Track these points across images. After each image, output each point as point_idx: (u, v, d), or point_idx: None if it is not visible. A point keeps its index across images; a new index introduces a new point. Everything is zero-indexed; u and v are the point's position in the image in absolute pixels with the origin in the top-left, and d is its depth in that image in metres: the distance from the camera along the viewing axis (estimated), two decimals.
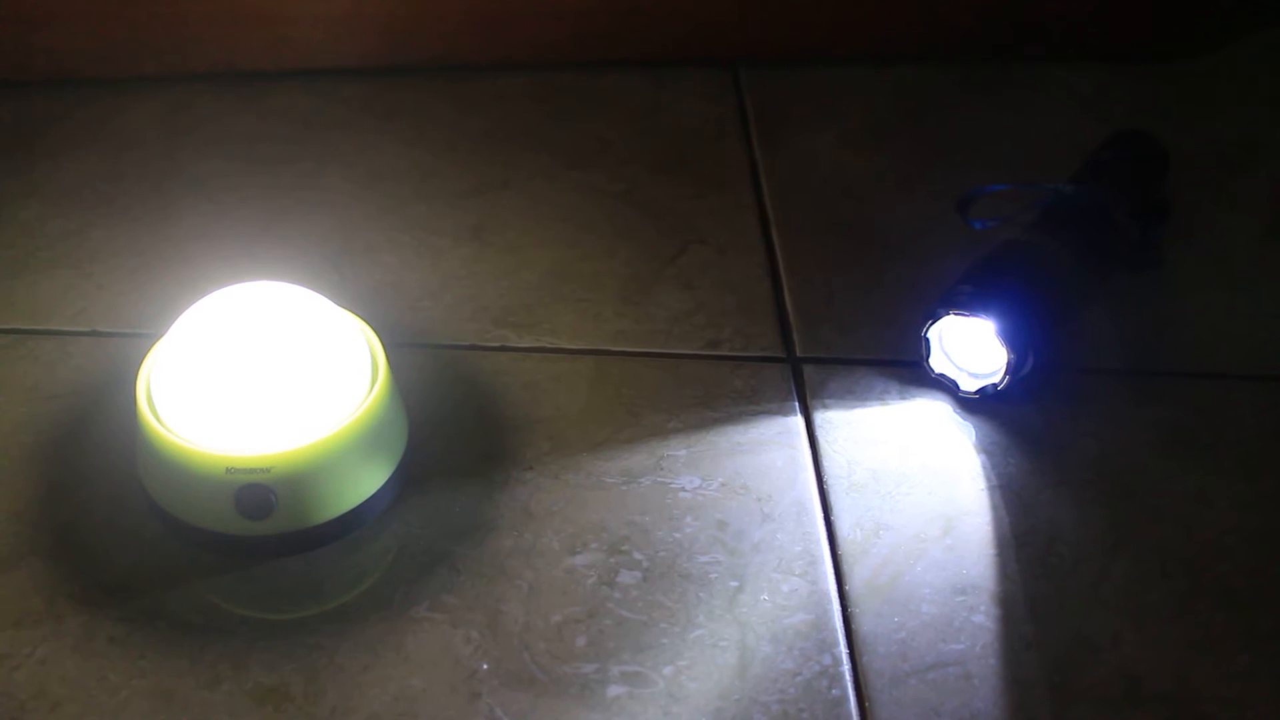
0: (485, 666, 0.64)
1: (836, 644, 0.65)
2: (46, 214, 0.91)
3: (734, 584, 0.68)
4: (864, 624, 0.66)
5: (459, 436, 0.75)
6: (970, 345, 0.77)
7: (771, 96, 1.03)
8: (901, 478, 0.73)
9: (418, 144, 0.98)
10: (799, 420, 0.77)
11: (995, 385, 0.76)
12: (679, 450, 0.74)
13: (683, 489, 0.72)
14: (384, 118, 1.01)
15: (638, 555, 0.69)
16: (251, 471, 0.65)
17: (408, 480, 0.71)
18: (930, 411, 0.77)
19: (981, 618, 0.66)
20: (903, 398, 0.78)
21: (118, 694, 0.62)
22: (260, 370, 0.67)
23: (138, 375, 0.69)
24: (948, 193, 0.87)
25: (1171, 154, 0.89)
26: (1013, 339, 0.74)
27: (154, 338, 0.71)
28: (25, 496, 0.71)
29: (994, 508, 0.72)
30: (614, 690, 0.63)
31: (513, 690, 0.63)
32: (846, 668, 0.64)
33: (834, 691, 0.63)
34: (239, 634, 0.65)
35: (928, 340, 0.77)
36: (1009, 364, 0.75)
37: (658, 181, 0.95)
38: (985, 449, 0.75)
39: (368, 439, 0.68)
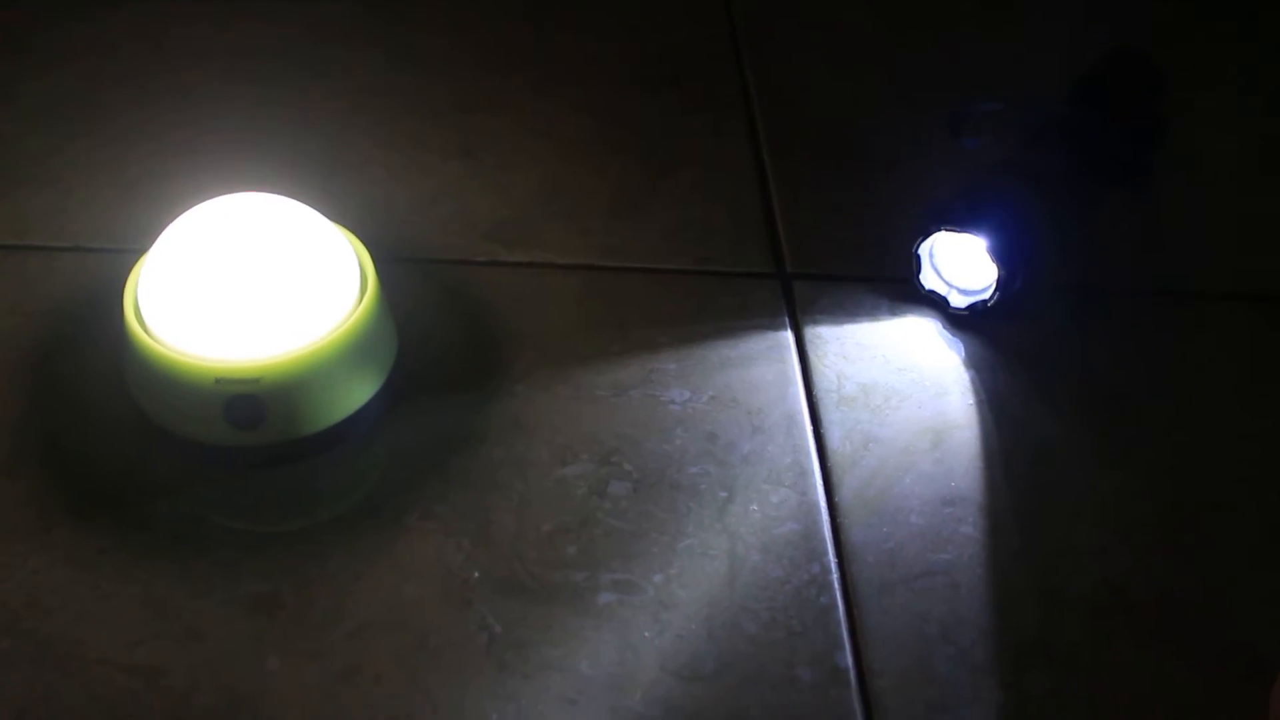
0: (477, 575, 0.64)
1: (825, 553, 0.66)
2: (28, 129, 0.90)
3: (723, 495, 0.68)
4: (853, 534, 0.66)
5: (449, 349, 0.75)
6: (961, 262, 0.77)
7: (763, 14, 1.02)
8: (891, 392, 0.74)
9: (407, 60, 0.97)
10: (789, 335, 0.77)
11: (985, 302, 0.76)
12: (669, 364, 0.74)
13: (673, 401, 0.72)
14: (373, 34, 1.00)
15: (628, 466, 0.69)
16: (241, 382, 0.65)
17: (398, 392, 0.71)
18: (920, 327, 0.77)
19: (969, 529, 0.67)
20: (893, 314, 0.78)
21: (110, 601, 0.62)
22: (249, 281, 0.66)
23: (125, 287, 0.69)
24: (940, 110, 0.87)
25: (1168, 74, 0.88)
26: (1003, 255, 0.74)
27: (139, 253, 0.70)
28: (14, 410, 0.71)
29: (982, 422, 0.72)
30: (604, 598, 0.63)
31: (504, 598, 0.63)
32: (835, 576, 0.65)
33: (823, 599, 0.64)
34: (230, 544, 0.66)
35: (919, 256, 0.77)
36: (999, 280, 0.75)
37: (649, 99, 0.94)
38: (974, 365, 0.75)
39: (357, 349, 0.67)
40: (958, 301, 0.77)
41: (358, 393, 0.68)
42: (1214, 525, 0.68)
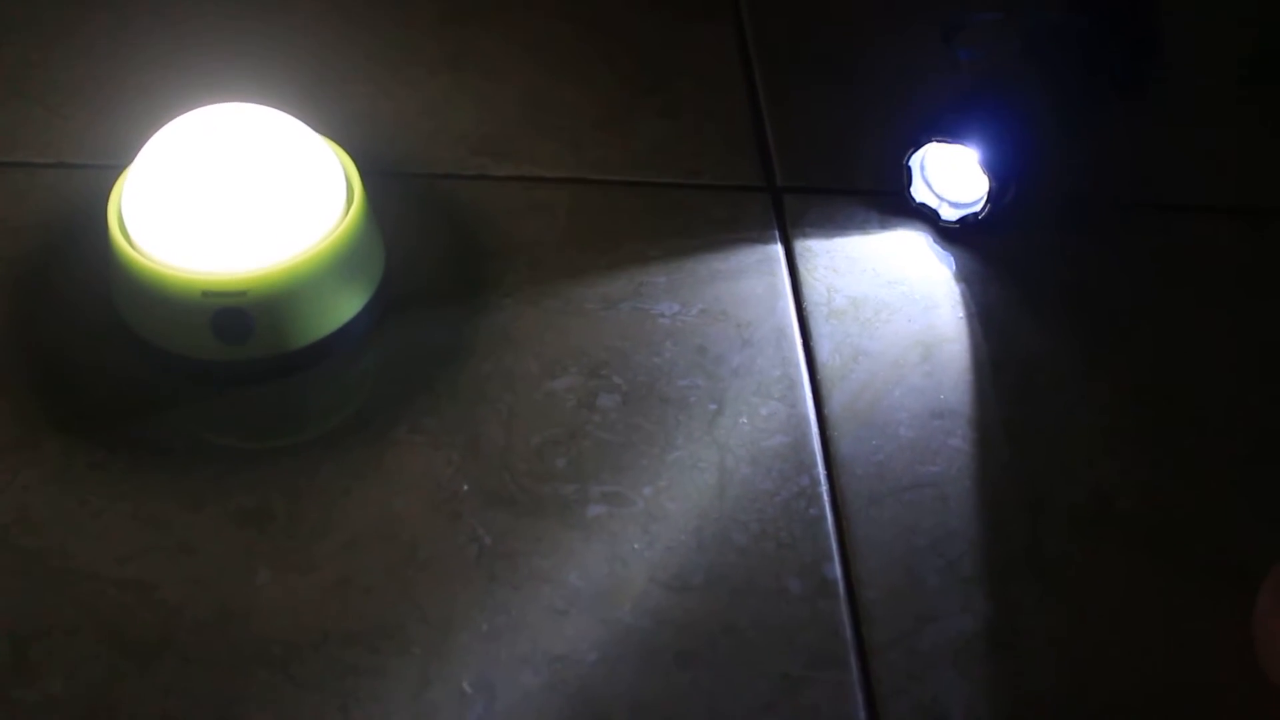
0: (466, 487, 0.64)
1: (814, 465, 0.66)
2: (4, 46, 0.88)
3: (713, 407, 0.68)
4: (842, 446, 0.67)
5: (437, 263, 0.75)
6: (952, 174, 0.76)
7: None
8: (881, 305, 0.73)
9: None
10: (779, 248, 0.76)
11: (976, 214, 0.76)
12: (658, 277, 0.74)
13: (662, 315, 0.72)
14: None
15: (617, 379, 0.69)
16: (228, 295, 0.64)
17: (386, 306, 0.71)
18: (911, 240, 0.77)
19: (958, 441, 0.67)
20: (883, 227, 0.78)
21: (100, 517, 0.63)
22: (234, 193, 0.65)
23: (109, 201, 0.68)
24: (932, 22, 0.85)
25: None
26: (995, 167, 0.74)
27: (123, 168, 0.70)
28: (0, 326, 0.71)
29: (972, 335, 0.72)
30: (594, 510, 0.63)
31: (493, 510, 0.63)
32: (824, 488, 0.65)
33: (812, 511, 0.64)
34: (220, 459, 0.66)
35: (909, 168, 0.76)
36: (991, 192, 0.74)
37: (637, 12, 0.93)
38: (965, 278, 0.75)
39: (344, 261, 0.67)
40: (948, 214, 0.77)
41: (345, 306, 0.68)
42: (1201, 437, 0.68)
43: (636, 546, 0.62)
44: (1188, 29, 0.90)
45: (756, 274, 0.75)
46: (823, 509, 0.64)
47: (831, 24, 0.92)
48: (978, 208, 0.75)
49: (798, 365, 0.70)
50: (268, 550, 0.62)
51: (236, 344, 0.65)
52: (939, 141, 0.74)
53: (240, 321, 0.65)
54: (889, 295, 0.74)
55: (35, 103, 0.84)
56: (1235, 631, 0.59)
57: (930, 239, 0.77)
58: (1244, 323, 0.74)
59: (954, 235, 0.77)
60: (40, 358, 0.69)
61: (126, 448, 0.66)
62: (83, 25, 0.90)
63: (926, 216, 0.78)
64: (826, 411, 0.68)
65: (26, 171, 0.79)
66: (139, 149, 0.68)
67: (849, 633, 0.60)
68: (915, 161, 0.76)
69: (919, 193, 0.77)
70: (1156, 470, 0.66)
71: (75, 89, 0.85)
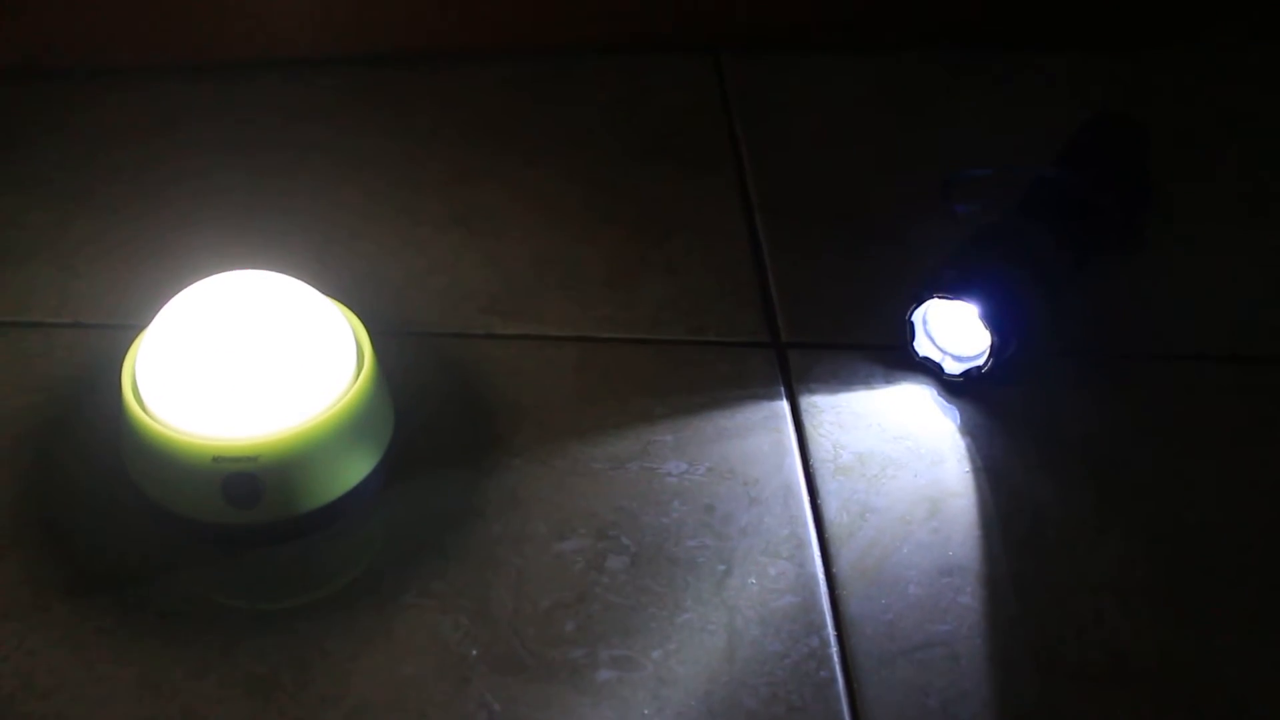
0: (475, 652, 0.64)
1: (824, 626, 0.65)
2: (25, 205, 0.90)
3: (722, 568, 0.68)
4: (851, 606, 0.66)
5: (445, 424, 0.75)
6: (954, 328, 0.77)
7: (753, 83, 1.04)
8: (887, 460, 0.74)
9: (398, 133, 0.98)
10: (785, 405, 0.77)
11: (979, 368, 0.76)
12: (665, 435, 0.75)
13: (669, 474, 0.73)
14: (363, 107, 1.01)
15: (625, 540, 0.69)
16: (238, 460, 0.65)
17: (395, 468, 0.71)
18: (915, 395, 0.78)
19: (968, 598, 0.67)
20: (888, 381, 0.79)
21: (105, 683, 0.62)
22: (246, 359, 0.66)
23: (123, 365, 0.69)
24: (930, 178, 0.87)
25: (1151, 136, 0.89)
26: (996, 322, 0.75)
27: (137, 329, 0.71)
28: (10, 489, 0.71)
29: (979, 489, 0.72)
30: (604, 674, 0.63)
31: (503, 675, 0.63)
32: (834, 649, 0.64)
33: (822, 673, 0.63)
34: (227, 623, 0.65)
35: (912, 324, 0.77)
36: (992, 346, 0.75)
37: (640, 168, 0.95)
38: (970, 431, 0.76)
39: (354, 426, 0.68)
40: (952, 368, 0.78)
41: (355, 469, 0.68)
42: (1212, 590, 0.68)
43: (646, 712, 0.61)
44: (1177, 175, 0.92)
45: (763, 430, 0.75)
46: (833, 671, 0.64)
47: (832, 180, 0.94)
48: (980, 361, 0.76)
49: (805, 523, 0.70)
50: (275, 718, 0.61)
51: (246, 508, 0.66)
52: (940, 297, 0.76)
53: (250, 486, 0.65)
54: (895, 450, 0.74)
55: (54, 263, 0.85)
56: None
57: (935, 393, 0.78)
58: (1253, 473, 0.74)
59: (958, 389, 0.78)
60: (50, 521, 0.70)
61: (134, 611, 0.65)
62: (103, 189, 0.92)
63: (930, 370, 0.78)
64: (835, 570, 0.68)
65: (42, 332, 0.81)
66: (153, 310, 0.69)
67: None
68: (918, 317, 0.77)
69: (922, 347, 0.78)
70: (1168, 625, 0.66)
71: (93, 249, 0.86)
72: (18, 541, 0.68)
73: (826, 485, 0.72)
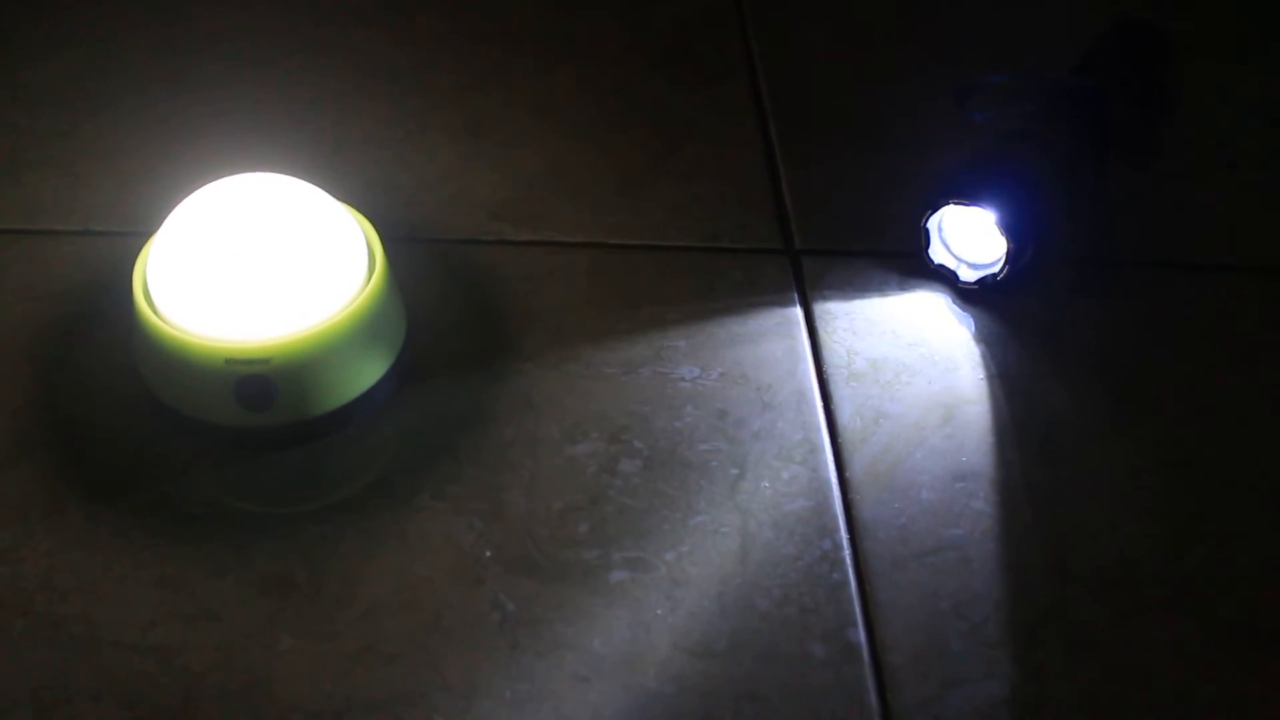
0: (489, 554, 0.64)
1: (837, 529, 0.66)
2: (33, 114, 0.89)
3: (734, 471, 0.68)
4: (864, 510, 0.66)
5: (458, 329, 0.75)
6: (970, 235, 0.77)
7: None
8: (901, 367, 0.73)
9: (410, 39, 0.97)
10: (798, 311, 0.77)
11: (995, 275, 0.76)
12: (678, 341, 0.74)
13: (682, 379, 0.72)
14: (375, 13, 0.99)
15: (638, 444, 0.69)
16: (251, 362, 0.65)
17: (407, 372, 0.71)
18: (930, 302, 0.77)
19: (980, 503, 0.67)
20: (902, 289, 0.78)
21: (124, 583, 0.63)
22: (258, 261, 0.66)
23: (134, 269, 0.69)
24: (947, 85, 0.86)
25: (1174, 44, 0.87)
26: (1012, 228, 0.74)
27: (147, 235, 0.70)
28: (25, 394, 0.71)
29: (993, 396, 0.72)
30: (616, 575, 0.63)
31: (516, 576, 0.63)
32: (847, 552, 0.65)
33: (835, 575, 0.64)
34: (242, 525, 0.66)
35: (927, 230, 0.77)
36: (1008, 253, 0.75)
37: (653, 75, 0.94)
38: (984, 339, 0.75)
39: (366, 328, 0.67)
40: (967, 275, 0.77)
41: (367, 372, 0.68)
42: (1225, 496, 0.68)
43: (659, 612, 0.62)
44: (1199, 83, 0.90)
45: (776, 337, 0.75)
46: (845, 573, 0.64)
47: (847, 86, 0.93)
48: (996, 269, 0.76)
49: (819, 429, 0.70)
50: (291, 617, 0.62)
51: (259, 411, 0.66)
52: (956, 204, 0.75)
53: (263, 389, 0.65)
54: (909, 357, 0.74)
55: (62, 171, 0.85)
56: (1265, 694, 0.59)
57: (949, 300, 0.77)
58: (1266, 380, 0.74)
59: (973, 296, 0.77)
60: (65, 424, 0.70)
61: (150, 513, 0.66)
62: (110, 96, 0.91)
63: (945, 278, 0.78)
64: (848, 475, 0.68)
65: (53, 239, 0.80)
66: (163, 217, 0.69)
67: (874, 699, 0.59)
68: (933, 224, 0.77)
69: (937, 254, 0.77)
70: (1182, 531, 0.66)
71: (101, 157, 0.86)
72: (33, 446, 0.69)
73: (840, 391, 0.72)
